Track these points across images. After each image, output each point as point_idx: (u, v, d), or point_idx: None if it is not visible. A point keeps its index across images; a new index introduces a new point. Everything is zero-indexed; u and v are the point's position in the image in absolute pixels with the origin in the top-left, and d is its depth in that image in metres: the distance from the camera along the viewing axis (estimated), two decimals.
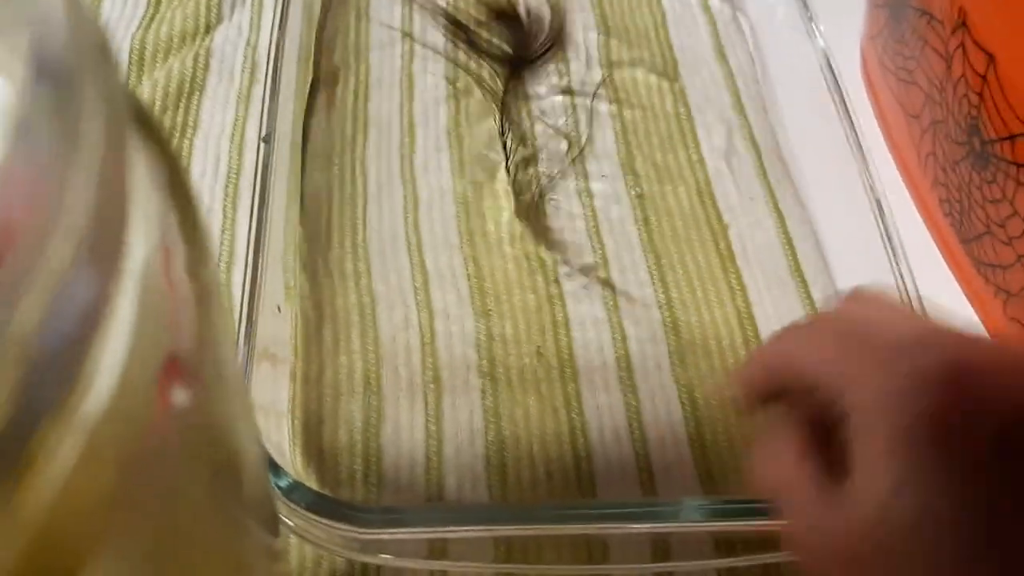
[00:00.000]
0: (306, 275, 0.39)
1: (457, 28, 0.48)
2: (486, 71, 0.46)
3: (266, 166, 0.36)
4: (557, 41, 0.48)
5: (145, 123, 0.12)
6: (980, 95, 0.37)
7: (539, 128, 0.45)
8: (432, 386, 0.36)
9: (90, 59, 0.10)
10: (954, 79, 0.38)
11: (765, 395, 0.26)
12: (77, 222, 0.09)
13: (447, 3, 0.49)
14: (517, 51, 0.47)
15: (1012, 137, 0.35)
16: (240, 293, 0.34)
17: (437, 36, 0.48)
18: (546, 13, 0.49)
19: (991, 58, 0.36)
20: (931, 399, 0.21)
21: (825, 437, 0.23)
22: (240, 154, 0.42)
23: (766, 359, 0.27)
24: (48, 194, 0.09)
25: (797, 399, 0.24)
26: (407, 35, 0.47)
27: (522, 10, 0.49)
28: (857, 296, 0.27)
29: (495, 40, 0.48)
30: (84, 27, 0.10)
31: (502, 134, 0.44)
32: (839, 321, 0.26)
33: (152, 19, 0.45)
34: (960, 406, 0.21)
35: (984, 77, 0.36)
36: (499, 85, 0.46)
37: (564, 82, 0.47)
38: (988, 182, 0.37)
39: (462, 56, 0.47)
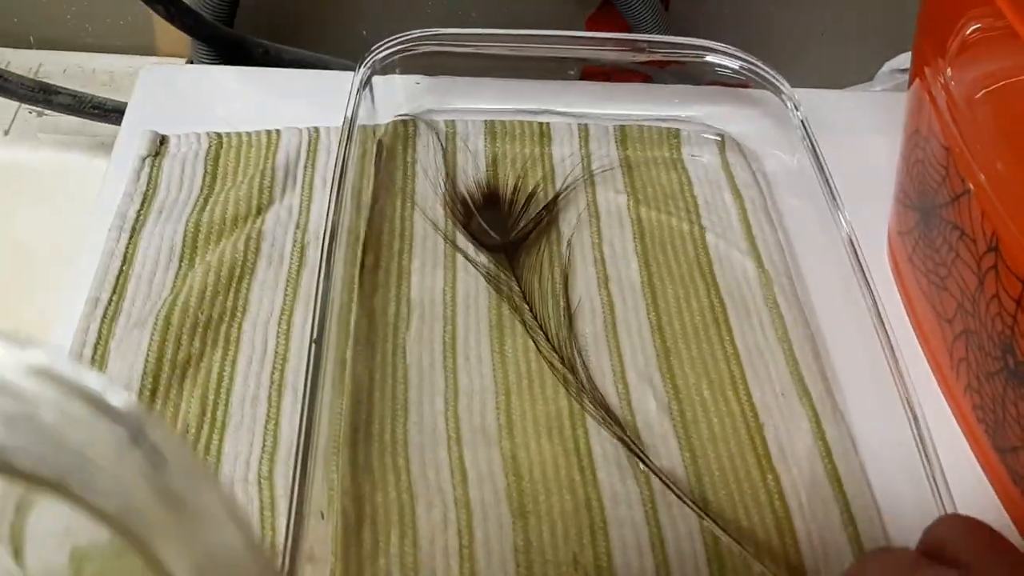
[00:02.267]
0: (348, 470, 0.39)
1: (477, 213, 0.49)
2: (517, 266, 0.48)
3: (316, 370, 0.37)
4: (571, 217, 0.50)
5: None
6: (1014, 317, 0.37)
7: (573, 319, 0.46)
8: None
9: None
10: (987, 297, 0.39)
11: None
12: None
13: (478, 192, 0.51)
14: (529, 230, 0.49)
15: None
16: (288, 496, 0.34)
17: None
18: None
19: None
20: None
21: None
22: (287, 339, 0.43)
23: None
24: None
25: None
26: (448, 240, 0.49)
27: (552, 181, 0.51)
28: (952, 526, 0.28)
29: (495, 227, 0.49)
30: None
31: (526, 324, 0.45)
32: (932, 571, 0.26)
33: (207, 201, 0.47)
34: None
35: (1018, 302, 0.37)
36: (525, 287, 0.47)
37: (600, 268, 0.48)
38: (1023, 400, 0.38)
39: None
